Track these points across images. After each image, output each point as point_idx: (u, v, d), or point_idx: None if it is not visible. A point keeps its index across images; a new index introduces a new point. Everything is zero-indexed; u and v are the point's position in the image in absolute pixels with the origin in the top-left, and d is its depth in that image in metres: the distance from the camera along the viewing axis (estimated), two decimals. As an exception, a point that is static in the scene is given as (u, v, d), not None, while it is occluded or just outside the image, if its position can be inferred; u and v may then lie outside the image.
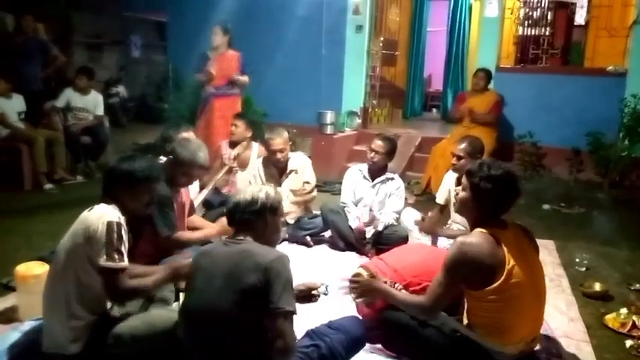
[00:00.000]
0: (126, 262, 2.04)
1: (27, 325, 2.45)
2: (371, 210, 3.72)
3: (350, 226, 3.81)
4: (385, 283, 2.36)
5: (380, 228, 3.71)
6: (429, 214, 3.73)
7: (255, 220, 1.98)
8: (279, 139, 3.93)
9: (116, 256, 2.00)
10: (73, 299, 2.01)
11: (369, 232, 3.75)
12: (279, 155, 3.94)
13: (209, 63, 5.32)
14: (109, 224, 2.01)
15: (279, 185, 3.98)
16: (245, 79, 5.39)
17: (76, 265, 2.03)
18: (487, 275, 1.97)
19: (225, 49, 5.35)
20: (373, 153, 3.84)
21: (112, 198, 2.16)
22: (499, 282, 1.95)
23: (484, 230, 2.03)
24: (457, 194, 2.23)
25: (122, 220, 2.07)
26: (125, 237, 2.06)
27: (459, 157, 3.35)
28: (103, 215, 2.04)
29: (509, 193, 2.08)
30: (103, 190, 2.20)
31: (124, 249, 2.04)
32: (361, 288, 2.36)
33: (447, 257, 2.02)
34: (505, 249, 1.98)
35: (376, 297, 2.36)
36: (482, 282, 1.98)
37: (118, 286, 2.02)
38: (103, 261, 1.99)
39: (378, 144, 3.83)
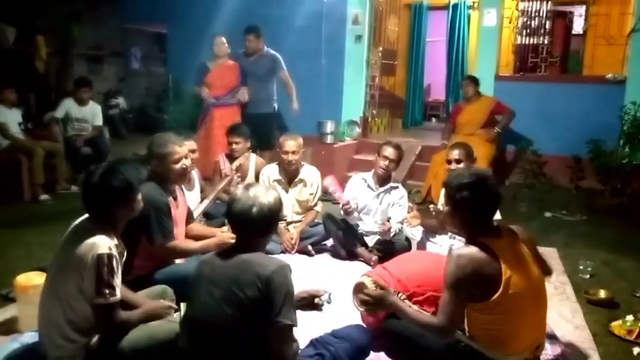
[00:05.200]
0: (117, 296, 1.96)
1: (27, 336, 2.43)
2: (383, 222, 3.67)
3: (355, 234, 3.79)
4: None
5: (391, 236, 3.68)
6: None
7: (263, 227, 1.94)
8: (293, 142, 3.96)
9: (107, 292, 1.92)
10: (66, 326, 1.96)
11: (373, 240, 3.77)
12: (290, 157, 3.94)
13: (209, 73, 5.33)
14: (99, 258, 1.91)
15: (287, 192, 3.99)
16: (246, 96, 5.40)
17: (66, 292, 1.96)
18: (486, 286, 1.94)
19: (225, 59, 5.37)
20: (388, 161, 3.77)
21: (103, 218, 2.06)
22: (497, 294, 1.92)
23: (479, 240, 2.00)
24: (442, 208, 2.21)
25: (114, 248, 1.98)
26: (117, 266, 1.97)
27: (458, 161, 3.37)
28: (92, 247, 1.93)
29: (485, 197, 2.04)
30: (95, 214, 2.07)
31: (116, 280, 1.96)
32: (372, 301, 2.23)
33: (447, 274, 1.98)
34: (501, 259, 1.94)
35: (386, 310, 2.30)
36: (481, 294, 1.95)
37: (109, 321, 1.98)
38: (93, 298, 1.92)
39: (390, 152, 3.76)
